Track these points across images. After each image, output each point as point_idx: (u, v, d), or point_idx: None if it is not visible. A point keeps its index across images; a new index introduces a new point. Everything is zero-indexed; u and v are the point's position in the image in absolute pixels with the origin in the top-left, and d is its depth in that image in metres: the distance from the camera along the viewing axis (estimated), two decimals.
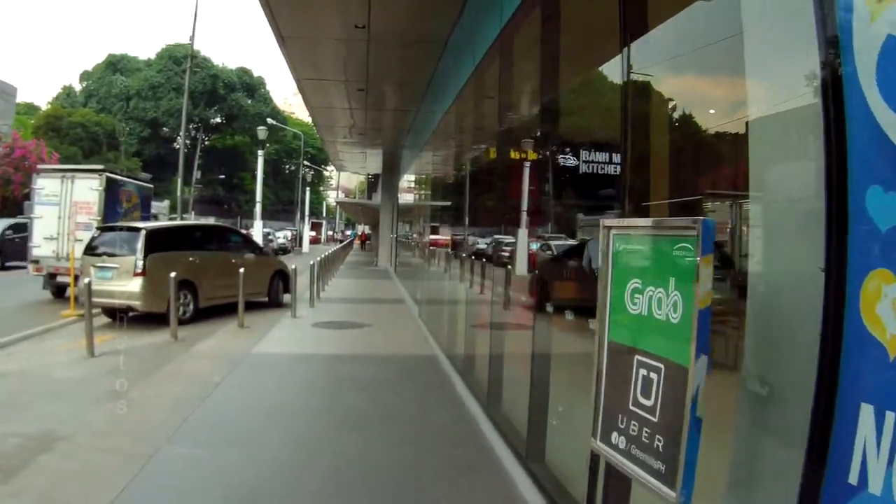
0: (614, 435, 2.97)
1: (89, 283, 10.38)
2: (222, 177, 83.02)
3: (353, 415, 7.57)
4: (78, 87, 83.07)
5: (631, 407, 2.86)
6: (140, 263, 12.90)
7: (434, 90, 14.42)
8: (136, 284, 12.87)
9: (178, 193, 27.37)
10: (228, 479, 5.53)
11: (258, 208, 32.07)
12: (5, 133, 43.34)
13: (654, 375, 2.74)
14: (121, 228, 14.18)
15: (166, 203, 50.03)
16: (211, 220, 25.90)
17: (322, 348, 11.54)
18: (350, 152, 30.48)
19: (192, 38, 30.55)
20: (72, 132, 53.63)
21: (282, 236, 51.81)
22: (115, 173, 18.42)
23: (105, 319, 14.02)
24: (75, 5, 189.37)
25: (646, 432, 2.76)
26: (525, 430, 6.00)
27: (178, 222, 16.29)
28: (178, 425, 6.86)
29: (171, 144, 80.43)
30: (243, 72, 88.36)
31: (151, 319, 13.26)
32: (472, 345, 9.16)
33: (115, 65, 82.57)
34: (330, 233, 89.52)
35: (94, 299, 12.78)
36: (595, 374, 3.14)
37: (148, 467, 5.68)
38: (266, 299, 16.62)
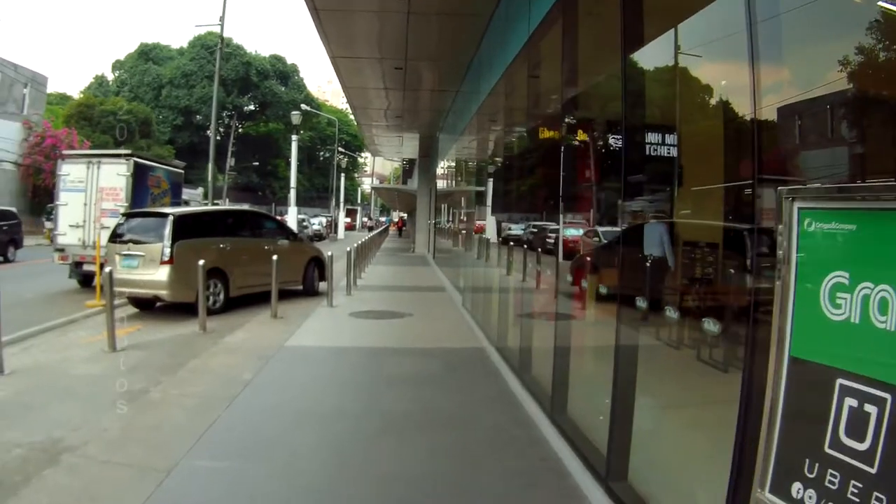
0: (797, 487, 2.06)
1: (111, 273, 9.62)
2: (256, 164, 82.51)
3: (395, 419, 6.71)
4: (110, 77, 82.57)
5: (829, 450, 1.96)
6: (167, 251, 12.17)
7: (477, 69, 13.53)
8: (162, 273, 12.16)
9: (210, 178, 26.52)
10: (255, 500, 4.72)
11: (292, 194, 31.38)
12: (36, 122, 43.04)
13: (871, 408, 1.84)
14: (147, 214, 13.48)
15: (200, 190, 49.65)
16: (245, 207, 25.22)
17: (360, 341, 10.71)
18: (386, 136, 29.65)
19: (221, 20, 29.76)
20: (103, 120, 53.04)
21: (317, 223, 51.21)
22: (144, 158, 17.70)
23: (131, 310, 13.34)
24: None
25: (855, 488, 1.86)
26: (604, 440, 4.95)
27: (207, 207, 15.56)
28: (202, 432, 6.05)
29: (204, 132, 79.58)
30: (276, 59, 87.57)
31: (179, 309, 12.54)
32: (527, 337, 8.22)
33: (147, 54, 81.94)
34: (364, 219, 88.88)
35: (120, 289, 12.19)
36: (769, 403, 2.20)
37: (165, 486, 4.87)
38: (301, 287, 15.85)
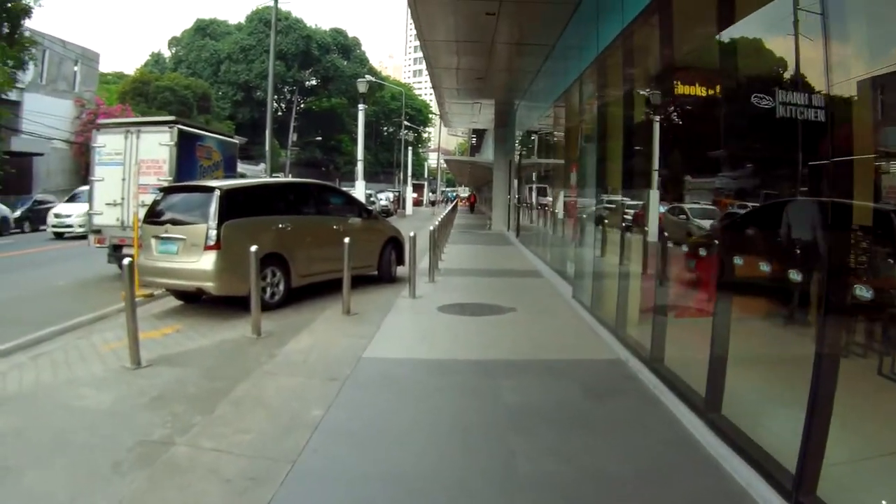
0: None
1: (132, 264, 7.22)
2: (319, 139, 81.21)
3: (531, 492, 4.23)
4: (167, 54, 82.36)
5: None
6: (213, 233, 9.77)
7: (587, 16, 10.99)
8: (207, 261, 9.77)
9: (268, 148, 24.20)
10: None
11: (360, 167, 28.86)
12: (88, 100, 42.04)
13: None
14: (189, 189, 11.11)
15: (262, 167, 48.38)
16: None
17: (459, 349, 8.18)
18: (460, 103, 26.99)
19: None
20: (160, 96, 51.50)
21: (384, 198, 49.22)
22: (191, 126, 15.40)
23: (172, 302, 11.18)
24: None
25: None
26: None
27: (263, 180, 13.03)
28: None
29: (265, 108, 78.74)
30: (337, 32, 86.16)
31: (231, 301, 10.21)
32: (697, 346, 5.60)
33: (205, 29, 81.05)
34: (431, 195, 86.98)
35: (155, 279, 10.09)
36: None
37: None
38: (376, 273, 13.41)
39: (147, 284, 10.60)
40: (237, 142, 17.81)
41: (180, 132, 13.91)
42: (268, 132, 23.36)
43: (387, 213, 43.11)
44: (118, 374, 6.96)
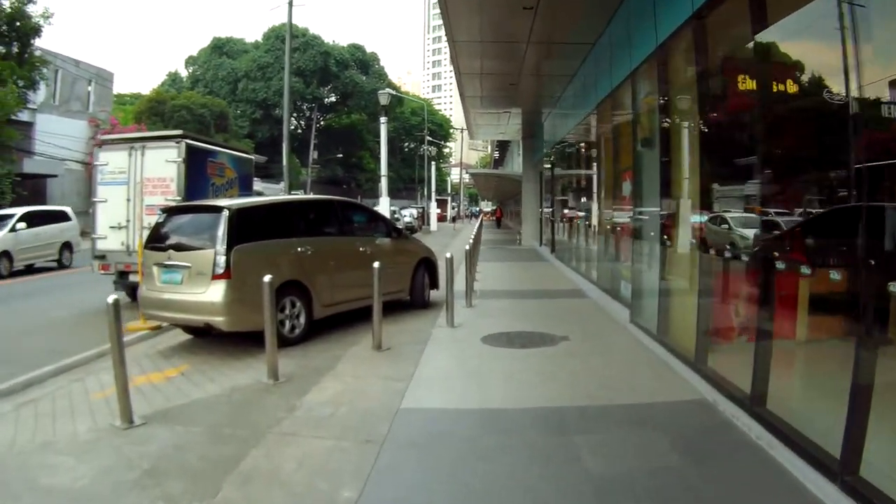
0: None
1: (116, 304, 5.97)
2: (340, 156, 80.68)
3: None
4: (184, 74, 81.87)
5: None
6: (221, 260, 8.49)
7: (629, 13, 9.87)
8: (215, 292, 8.46)
9: (285, 162, 22.98)
10: None
11: (384, 183, 27.53)
12: (103, 120, 41.47)
13: None
14: (194, 209, 9.85)
15: (282, 185, 47.47)
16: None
17: (515, 392, 6.86)
18: (486, 112, 25.62)
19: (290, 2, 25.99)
20: (176, 115, 50.51)
21: (408, 215, 48.02)
22: (201, 140, 14.21)
23: (180, 336, 9.97)
24: None
25: None
26: None
27: (279, 197, 11.70)
28: None
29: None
30: (355, 48, 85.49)
31: (246, 335, 8.90)
32: (810, 382, 4.34)
33: (221, 48, 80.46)
34: (453, 209, 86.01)
35: (159, 313, 8.91)
36: None
37: None
38: (408, 298, 12.04)
39: (150, 318, 9.39)
40: (253, 158, 16.66)
41: (189, 147, 12.75)
42: (285, 146, 22.23)
43: (411, 229, 41.84)
44: (105, 436, 5.70)
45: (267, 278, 7.19)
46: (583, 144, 16.35)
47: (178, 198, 12.17)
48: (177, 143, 12.70)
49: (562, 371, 7.63)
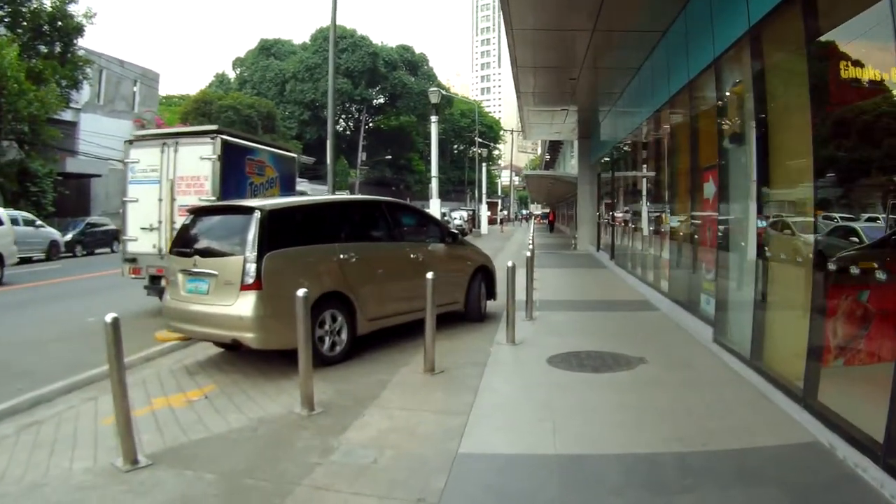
0: None
1: (116, 322, 4.98)
2: (388, 157, 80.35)
3: None
4: (231, 75, 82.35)
5: None
6: (251, 268, 7.47)
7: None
8: (245, 305, 7.44)
9: (329, 159, 21.94)
10: None
11: (434, 184, 26.45)
12: (149, 120, 41.55)
13: None
14: (223, 210, 8.83)
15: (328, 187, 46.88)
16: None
17: (596, 432, 5.72)
18: (540, 110, 24.35)
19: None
20: (223, 116, 50.23)
21: (458, 217, 47.02)
22: (239, 136, 13.30)
23: (209, 349, 9.07)
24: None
25: None
26: None
27: (319, 197, 10.71)
28: None
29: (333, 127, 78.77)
30: (404, 49, 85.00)
31: (281, 351, 7.86)
32: None
33: (269, 49, 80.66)
34: (504, 212, 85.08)
35: (184, 326, 7.97)
36: None
37: None
38: (462, 310, 10.86)
39: (175, 331, 8.44)
40: (296, 157, 15.72)
41: (224, 143, 11.85)
42: (329, 143, 21.19)
43: (462, 232, 40.83)
44: (102, 481, 4.73)
45: (301, 293, 6.13)
46: (650, 142, 15.04)
47: (213, 198, 11.31)
48: (212, 138, 11.81)
49: (645, 404, 6.48)
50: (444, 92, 55.91)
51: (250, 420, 6.11)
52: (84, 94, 37.65)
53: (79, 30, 32.16)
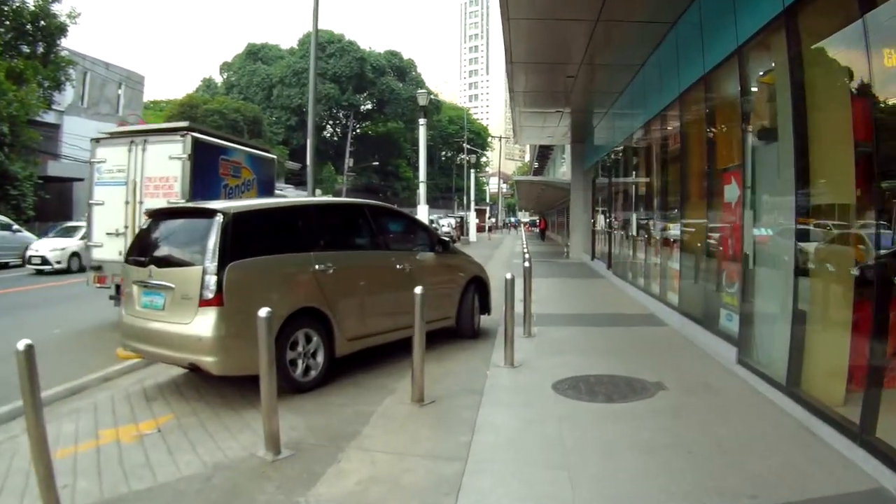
0: None
1: (29, 352, 3.93)
2: (376, 164, 79.88)
3: None
4: (219, 80, 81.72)
5: None
6: (211, 281, 6.39)
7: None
8: (203, 324, 6.35)
9: (308, 161, 20.93)
10: None
11: (422, 189, 25.33)
12: (133, 123, 40.42)
13: None
14: (183, 213, 7.68)
15: (319, 193, 46.19)
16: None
17: (619, 484, 4.69)
18: (534, 112, 23.39)
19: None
20: (208, 120, 49.37)
21: (446, 224, 46.07)
22: (212, 135, 12.24)
23: (171, 369, 7.97)
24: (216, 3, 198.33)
25: None
26: None
27: (292, 199, 9.50)
28: None
29: (319, 133, 78.81)
30: (392, 54, 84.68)
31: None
32: None
33: (256, 54, 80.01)
34: (492, 220, 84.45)
35: (139, 346, 6.91)
36: None
37: None
38: (454, 325, 9.80)
39: (131, 350, 7.37)
40: (275, 158, 14.68)
41: (196, 142, 10.84)
42: (309, 143, 20.24)
43: (451, 240, 39.92)
44: None
45: (263, 313, 5.09)
46: (654, 143, 14.04)
47: (183, 200, 10.28)
48: (182, 136, 10.83)
49: (672, 441, 5.49)
50: (432, 97, 55.18)
51: (205, 465, 5.06)
52: (67, 95, 36.86)
53: (62, 30, 31.37)
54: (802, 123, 6.35)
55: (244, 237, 6.76)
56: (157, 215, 7.71)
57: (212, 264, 6.41)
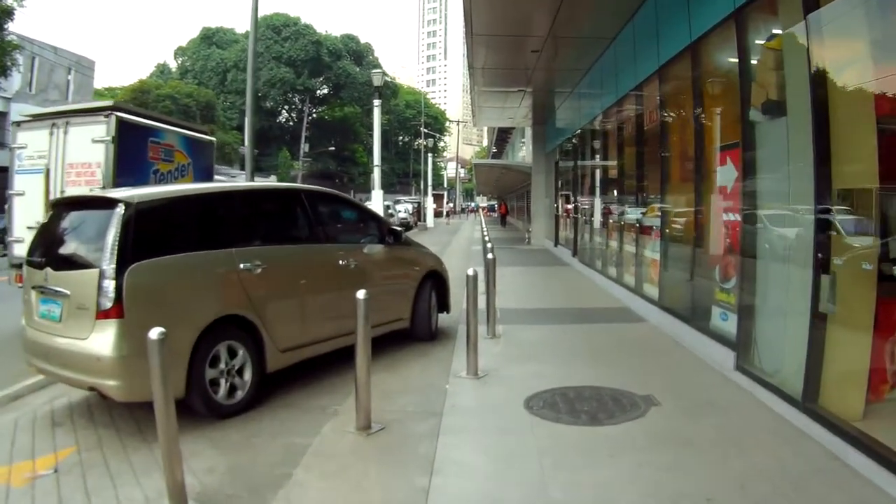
0: None
1: None
2: (332, 149, 78.82)
3: None
4: (173, 65, 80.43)
5: None
6: (109, 286, 5.12)
7: None
8: (101, 340, 5.10)
9: (247, 139, 19.44)
10: None
11: (376, 174, 24.07)
12: None
13: None
14: (84, 203, 6.29)
15: (273, 179, 44.89)
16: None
17: None
18: (494, 92, 22.24)
19: None
20: (160, 105, 48.08)
21: (402, 210, 45.02)
22: (139, 115, 10.89)
23: (76, 393, 6.61)
24: None
25: None
26: None
27: (212, 185, 8.20)
28: None
29: (275, 118, 78.24)
30: (349, 38, 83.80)
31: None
32: None
33: (211, 38, 78.56)
34: (450, 205, 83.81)
35: (39, 364, 5.79)
36: None
37: None
38: (408, 326, 8.62)
39: (33, 367, 6.08)
40: (214, 140, 13.35)
41: (120, 122, 9.54)
42: (247, 121, 18.77)
43: (406, 226, 38.76)
44: None
45: (155, 334, 3.86)
46: (628, 122, 12.89)
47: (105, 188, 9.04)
48: (105, 116, 9.53)
49: (678, 480, 4.39)
50: (388, 79, 54.08)
51: None
52: (14, 82, 35.46)
53: (8, 13, 29.71)
54: (818, 96, 5.27)
55: (151, 231, 5.53)
56: (61, 206, 6.42)
57: (109, 266, 5.15)
